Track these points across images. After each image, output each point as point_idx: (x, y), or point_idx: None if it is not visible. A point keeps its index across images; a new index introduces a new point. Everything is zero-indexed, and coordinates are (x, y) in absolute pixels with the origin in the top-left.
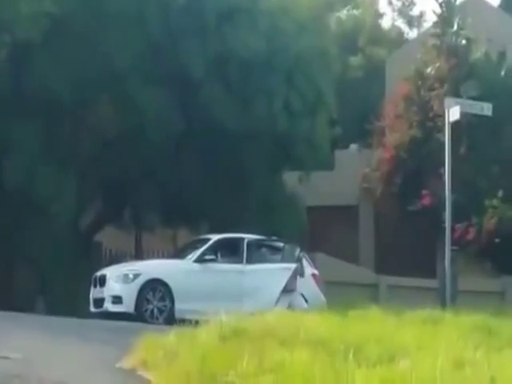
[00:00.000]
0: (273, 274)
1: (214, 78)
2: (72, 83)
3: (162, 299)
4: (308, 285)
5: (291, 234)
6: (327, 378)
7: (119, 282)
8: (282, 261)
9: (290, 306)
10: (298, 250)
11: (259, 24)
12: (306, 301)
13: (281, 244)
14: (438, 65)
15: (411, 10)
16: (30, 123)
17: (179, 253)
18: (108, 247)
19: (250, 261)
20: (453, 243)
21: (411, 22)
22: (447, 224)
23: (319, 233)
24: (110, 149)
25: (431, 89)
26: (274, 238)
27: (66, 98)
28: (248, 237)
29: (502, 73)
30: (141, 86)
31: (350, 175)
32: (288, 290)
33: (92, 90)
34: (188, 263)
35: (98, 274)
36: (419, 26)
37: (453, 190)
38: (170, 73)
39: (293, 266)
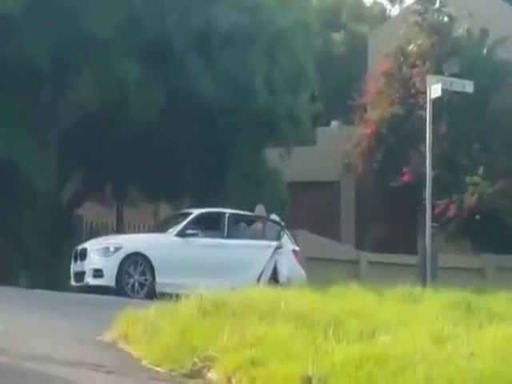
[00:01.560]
0: (254, 249)
1: (196, 52)
2: (52, 55)
3: (143, 273)
4: (289, 261)
5: (272, 210)
6: (307, 353)
7: (100, 255)
8: (264, 237)
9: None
10: (279, 226)
11: None
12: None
13: (262, 219)
14: (419, 42)
15: None
16: (10, 96)
17: (161, 227)
18: (89, 221)
19: (231, 235)
20: (433, 220)
21: None
22: (427, 201)
23: (300, 208)
24: (91, 122)
25: (413, 66)
26: (256, 213)
27: (46, 71)
28: (229, 212)
29: (484, 50)
30: (122, 59)
31: (331, 151)
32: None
33: (72, 62)
34: (169, 237)
35: (79, 247)
36: (401, 2)
37: (433, 166)
38: (151, 46)
39: (275, 242)
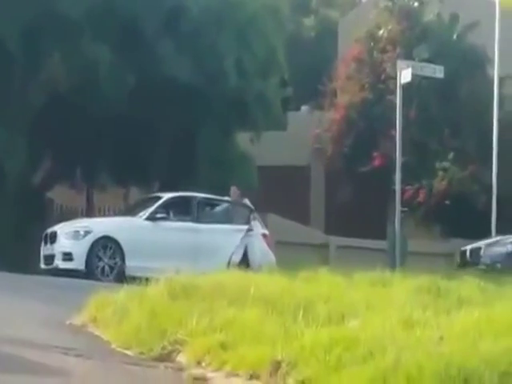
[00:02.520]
0: (224, 233)
1: (167, 35)
2: (23, 37)
3: (113, 256)
4: (259, 244)
5: (242, 194)
6: (277, 337)
7: (70, 238)
8: (234, 221)
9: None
10: (249, 211)
11: None
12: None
13: (232, 204)
14: (390, 27)
15: None
16: None
17: (131, 210)
18: (59, 204)
19: (201, 219)
20: (403, 205)
21: None
22: (397, 185)
23: (270, 193)
24: (62, 104)
25: (383, 51)
26: (226, 198)
27: (16, 53)
28: (199, 196)
29: (455, 35)
30: (93, 41)
31: (301, 136)
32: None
33: (43, 44)
34: (139, 221)
35: (49, 230)
36: None
37: (403, 151)
38: (122, 28)
39: (244, 226)
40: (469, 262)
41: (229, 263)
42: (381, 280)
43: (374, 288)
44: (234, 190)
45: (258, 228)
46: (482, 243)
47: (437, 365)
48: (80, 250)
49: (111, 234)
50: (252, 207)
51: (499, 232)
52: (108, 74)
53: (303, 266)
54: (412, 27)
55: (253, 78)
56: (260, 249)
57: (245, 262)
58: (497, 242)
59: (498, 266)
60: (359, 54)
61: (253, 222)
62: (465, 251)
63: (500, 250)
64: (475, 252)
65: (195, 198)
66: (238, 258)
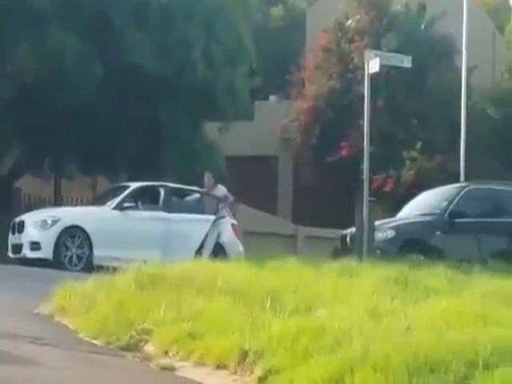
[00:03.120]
0: (192, 222)
1: (135, 25)
2: None
3: (81, 246)
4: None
5: (216, 181)
6: (244, 327)
7: (37, 228)
8: (202, 211)
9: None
10: (218, 200)
11: None
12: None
13: (200, 193)
14: (358, 17)
15: None
16: None
17: (98, 200)
18: (27, 194)
19: (169, 209)
20: (370, 194)
21: None
22: (365, 175)
23: (238, 183)
24: (29, 94)
25: (351, 41)
26: (194, 187)
27: None
28: (167, 185)
29: (422, 25)
30: (60, 31)
31: (269, 126)
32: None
33: (10, 33)
34: (107, 210)
35: (17, 220)
36: None
37: (371, 141)
38: (90, 19)
39: (213, 216)
40: (349, 248)
41: (197, 252)
42: (348, 270)
43: (341, 278)
44: (208, 176)
45: (226, 218)
46: None
47: (404, 354)
48: (48, 239)
49: (79, 224)
50: (227, 194)
51: None
52: (75, 63)
53: (271, 255)
54: (380, 17)
55: (221, 67)
56: (229, 238)
57: (219, 251)
58: (376, 227)
59: (378, 252)
60: (327, 44)
61: (221, 212)
62: (345, 236)
63: (380, 235)
64: (355, 238)
65: (163, 187)
66: (210, 247)
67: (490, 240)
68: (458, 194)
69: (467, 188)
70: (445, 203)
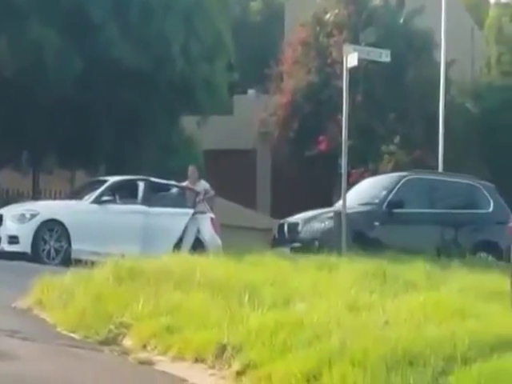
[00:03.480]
0: (171, 217)
1: (114, 20)
2: None
3: (59, 240)
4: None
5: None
6: (222, 321)
7: (16, 221)
8: (181, 204)
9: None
10: (196, 194)
11: None
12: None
13: (179, 188)
14: (336, 11)
15: None
16: None
17: (77, 194)
18: (5, 187)
19: (147, 203)
20: (349, 188)
21: None
22: (343, 169)
23: (217, 177)
24: (7, 88)
25: (330, 35)
26: (172, 182)
27: None
28: (146, 179)
29: (401, 20)
30: (40, 25)
31: (247, 120)
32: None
33: None
34: (85, 204)
35: None
36: None
37: (350, 135)
38: (70, 13)
39: (191, 210)
40: (286, 238)
41: (176, 246)
42: (327, 264)
43: (320, 272)
44: (192, 169)
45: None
46: (299, 217)
47: (382, 349)
48: (26, 233)
49: (57, 217)
50: (208, 189)
51: None
52: (54, 57)
53: (249, 249)
54: (359, 11)
55: (199, 62)
56: (208, 232)
57: (197, 245)
58: (315, 216)
59: (316, 243)
60: (305, 38)
61: (200, 205)
62: (282, 225)
63: (318, 225)
64: (293, 227)
65: (141, 181)
66: (190, 241)
67: (429, 231)
68: (397, 184)
69: (406, 178)
70: (384, 193)
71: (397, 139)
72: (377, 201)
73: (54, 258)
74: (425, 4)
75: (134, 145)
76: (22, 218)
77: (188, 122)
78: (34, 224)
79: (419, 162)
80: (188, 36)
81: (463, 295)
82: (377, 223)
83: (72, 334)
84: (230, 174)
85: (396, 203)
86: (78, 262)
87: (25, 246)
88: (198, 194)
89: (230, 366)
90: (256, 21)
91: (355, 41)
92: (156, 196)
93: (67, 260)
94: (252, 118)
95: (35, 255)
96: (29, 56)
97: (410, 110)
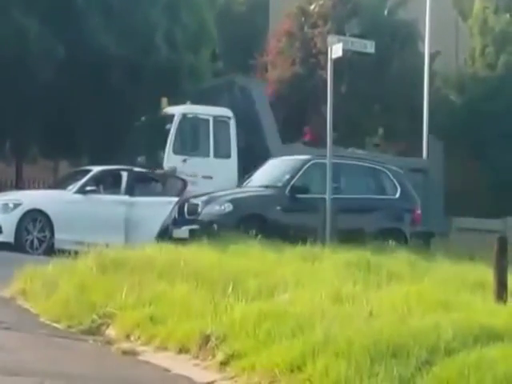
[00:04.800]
0: (155, 206)
1: (97, 7)
2: None
3: (42, 230)
4: None
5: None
6: (206, 311)
7: None
8: (164, 193)
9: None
10: (180, 183)
11: None
12: None
13: (163, 177)
14: (321, 2)
15: None
16: None
17: (60, 184)
18: None
19: (131, 193)
20: None
21: None
22: (328, 161)
23: None
24: None
25: (314, 26)
26: (157, 170)
27: None
28: (130, 169)
29: (385, 11)
30: (21, 13)
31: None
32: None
33: None
34: (69, 194)
35: None
36: None
37: (334, 127)
38: (52, 1)
39: (175, 198)
40: (186, 219)
41: (159, 234)
42: (311, 255)
43: (304, 263)
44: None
45: None
46: (199, 199)
47: (366, 340)
48: (9, 222)
49: (40, 207)
50: (183, 180)
51: None
52: (37, 45)
53: (234, 240)
54: (343, 2)
55: (184, 51)
56: None
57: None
58: (214, 198)
59: (215, 226)
60: (290, 29)
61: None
62: (183, 206)
63: (216, 208)
64: (192, 208)
65: (125, 170)
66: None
67: (332, 217)
68: (301, 168)
69: (311, 161)
70: (287, 176)
71: (381, 131)
72: (280, 184)
73: (37, 248)
74: None
75: (117, 134)
76: (5, 208)
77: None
78: (17, 214)
79: (404, 154)
80: (172, 24)
81: (446, 286)
82: (278, 208)
83: (55, 324)
84: None
85: (299, 188)
86: (62, 252)
87: (8, 235)
88: (184, 182)
89: (213, 356)
90: (241, 11)
91: (340, 32)
92: (140, 185)
93: (50, 250)
94: None
95: (18, 245)
96: (11, 44)
97: (394, 101)
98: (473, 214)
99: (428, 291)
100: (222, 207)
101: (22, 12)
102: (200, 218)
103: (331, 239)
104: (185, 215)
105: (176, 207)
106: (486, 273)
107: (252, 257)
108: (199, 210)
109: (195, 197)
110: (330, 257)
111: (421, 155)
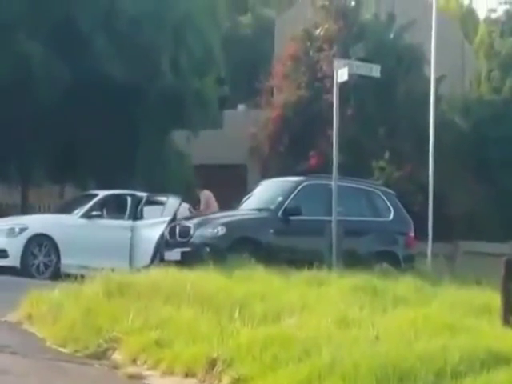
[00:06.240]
0: (159, 227)
1: (103, 32)
2: None
3: (48, 254)
4: None
5: (178, 192)
6: (213, 335)
7: (5, 235)
8: (164, 215)
9: None
10: (177, 204)
11: None
12: None
13: (165, 200)
14: (326, 26)
15: None
16: None
17: (66, 208)
18: None
19: (136, 217)
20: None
21: None
22: (334, 184)
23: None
24: None
25: (320, 50)
26: (160, 194)
27: None
28: (135, 193)
29: (391, 35)
30: (28, 38)
31: (238, 134)
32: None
33: None
34: (75, 218)
35: None
36: None
37: (340, 150)
38: (58, 26)
39: (167, 218)
40: (178, 242)
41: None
42: (317, 279)
43: (310, 287)
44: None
45: None
46: (191, 222)
47: (372, 364)
48: (15, 247)
49: (46, 232)
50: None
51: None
52: (42, 70)
53: (239, 264)
54: (349, 26)
55: (189, 76)
56: None
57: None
58: (207, 221)
59: (207, 249)
60: (296, 53)
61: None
62: (174, 228)
63: (210, 231)
64: (184, 231)
65: (130, 195)
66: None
67: (326, 240)
68: (294, 190)
69: (304, 183)
70: (280, 199)
71: (387, 154)
72: (272, 207)
73: (43, 273)
74: (415, 18)
75: (124, 158)
76: (11, 232)
77: (178, 137)
78: (23, 238)
79: (410, 178)
80: (178, 49)
81: (453, 310)
82: (271, 231)
83: (61, 349)
84: (221, 189)
85: (292, 210)
86: (68, 276)
87: (14, 260)
88: (180, 202)
89: (220, 380)
90: (246, 35)
91: (345, 55)
92: (145, 210)
93: (57, 274)
94: (242, 132)
95: (24, 269)
96: (16, 69)
97: (399, 124)
98: (480, 237)
99: (434, 315)
100: (215, 230)
101: (26, 36)
102: (192, 240)
103: (331, 262)
104: (176, 237)
105: (168, 229)
106: (492, 297)
107: (258, 281)
108: (191, 232)
109: (186, 219)
110: (336, 281)
111: (426, 178)
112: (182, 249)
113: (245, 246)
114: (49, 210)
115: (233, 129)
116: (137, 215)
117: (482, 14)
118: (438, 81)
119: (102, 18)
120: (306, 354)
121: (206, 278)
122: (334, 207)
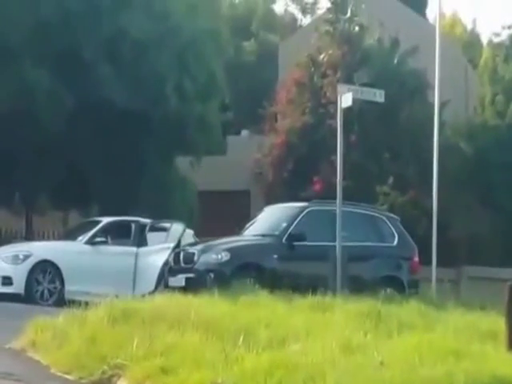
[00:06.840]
0: (162, 255)
1: (106, 58)
2: None
3: (52, 281)
4: None
5: (182, 218)
6: (217, 361)
7: (9, 262)
8: (168, 241)
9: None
10: (181, 230)
11: (152, 5)
12: None
13: (169, 226)
14: (330, 51)
15: None
16: None
17: (70, 234)
18: None
19: (140, 244)
20: None
21: (304, 8)
22: (338, 210)
23: (211, 218)
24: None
25: (324, 75)
26: (163, 220)
27: None
28: (138, 220)
29: (395, 60)
30: (31, 66)
31: (241, 160)
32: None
33: None
34: (78, 245)
35: None
36: (313, 12)
37: (344, 176)
38: (61, 53)
39: (171, 244)
40: (182, 268)
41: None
42: (321, 305)
43: (314, 313)
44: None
45: None
46: (195, 248)
47: None
48: (19, 274)
49: (51, 258)
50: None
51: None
52: (46, 97)
53: (243, 290)
54: (353, 52)
55: (193, 101)
56: None
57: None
58: (211, 247)
59: (212, 275)
60: (300, 78)
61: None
62: (178, 254)
63: (213, 257)
64: (188, 257)
65: (134, 222)
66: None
67: (331, 266)
68: (298, 215)
69: (308, 209)
70: (284, 224)
71: (391, 180)
72: (276, 233)
73: (47, 299)
74: (418, 44)
75: (127, 184)
76: (15, 259)
77: (182, 163)
78: (27, 265)
79: (414, 203)
80: (182, 75)
81: (458, 335)
82: (275, 256)
83: (66, 376)
84: (224, 215)
85: (297, 236)
86: (72, 302)
87: (18, 287)
88: (184, 228)
89: None
90: (250, 61)
91: (349, 81)
92: (148, 236)
93: (61, 301)
94: (246, 158)
95: (29, 296)
96: (20, 96)
97: (403, 150)
98: (484, 262)
99: (439, 340)
100: (219, 256)
101: (31, 64)
102: (196, 266)
103: (335, 287)
104: (180, 263)
105: (172, 255)
106: (497, 322)
107: (262, 307)
108: (195, 258)
109: (190, 245)
110: (341, 306)
111: (430, 203)
112: (186, 275)
113: (249, 271)
114: (53, 237)
115: (236, 154)
116: (141, 241)
117: (485, 39)
118: (442, 106)
119: (105, 44)
120: (310, 380)
121: (210, 304)
122: (338, 233)
